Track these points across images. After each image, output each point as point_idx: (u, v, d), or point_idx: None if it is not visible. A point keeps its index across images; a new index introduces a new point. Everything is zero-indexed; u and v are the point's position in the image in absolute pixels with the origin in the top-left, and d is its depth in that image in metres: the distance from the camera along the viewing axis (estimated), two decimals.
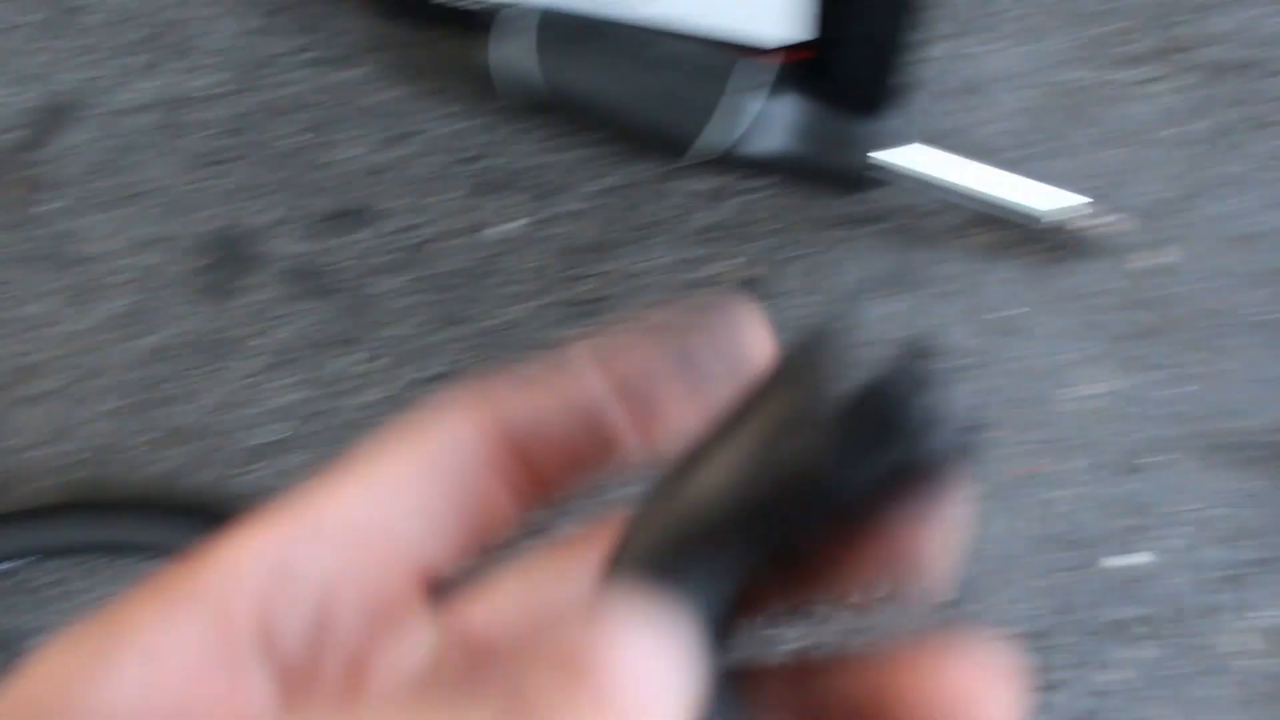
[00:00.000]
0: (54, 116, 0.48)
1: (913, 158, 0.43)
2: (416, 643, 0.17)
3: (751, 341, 0.17)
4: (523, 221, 0.45)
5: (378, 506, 0.17)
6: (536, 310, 0.43)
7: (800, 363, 0.15)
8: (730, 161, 0.43)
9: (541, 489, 0.18)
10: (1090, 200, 0.42)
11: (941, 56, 0.46)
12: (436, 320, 0.43)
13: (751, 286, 0.42)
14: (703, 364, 0.17)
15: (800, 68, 0.43)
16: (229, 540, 0.16)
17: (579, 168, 0.45)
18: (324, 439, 0.41)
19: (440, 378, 0.42)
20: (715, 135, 0.42)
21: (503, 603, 0.18)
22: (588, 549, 0.17)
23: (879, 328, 0.42)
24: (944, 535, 0.15)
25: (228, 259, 0.44)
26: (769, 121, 0.43)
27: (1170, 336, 0.42)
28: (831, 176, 0.43)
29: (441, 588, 0.18)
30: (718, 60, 0.43)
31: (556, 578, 0.18)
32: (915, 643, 0.16)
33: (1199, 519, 0.40)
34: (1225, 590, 0.39)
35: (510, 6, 0.44)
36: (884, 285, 0.43)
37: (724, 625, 0.15)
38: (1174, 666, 0.38)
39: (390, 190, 0.46)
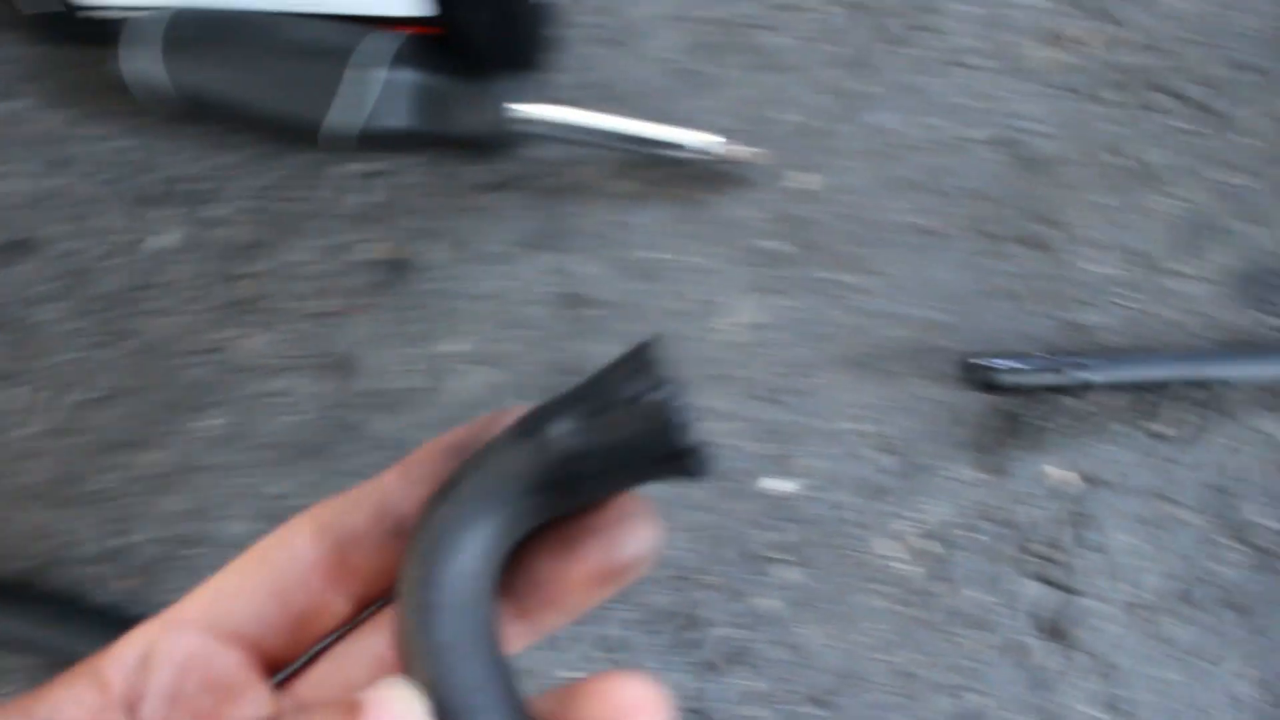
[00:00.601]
0: None
1: (552, 114, 0.43)
2: (254, 710, 0.22)
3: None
4: (179, 231, 0.44)
5: (222, 606, 0.22)
6: (196, 316, 0.43)
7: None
8: (375, 142, 0.43)
9: (363, 586, 0.23)
10: (731, 135, 0.43)
11: (587, 8, 0.46)
12: (99, 340, 0.43)
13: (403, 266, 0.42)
14: None
15: (428, 39, 0.43)
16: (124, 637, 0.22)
17: (233, 169, 0.45)
18: None
19: (106, 399, 0.42)
20: (342, 115, 0.42)
21: (319, 678, 0.23)
22: (376, 634, 0.23)
23: (536, 286, 0.43)
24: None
25: None
26: (398, 96, 0.43)
27: (814, 260, 0.43)
28: (472, 144, 0.44)
29: (279, 667, 0.23)
30: (342, 39, 0.43)
31: (356, 658, 0.23)
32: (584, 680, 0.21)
33: (846, 437, 0.41)
34: (871, 505, 0.40)
35: (141, 12, 0.44)
36: (533, 244, 0.43)
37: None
38: (825, 585, 0.39)
39: (52, 217, 0.45)
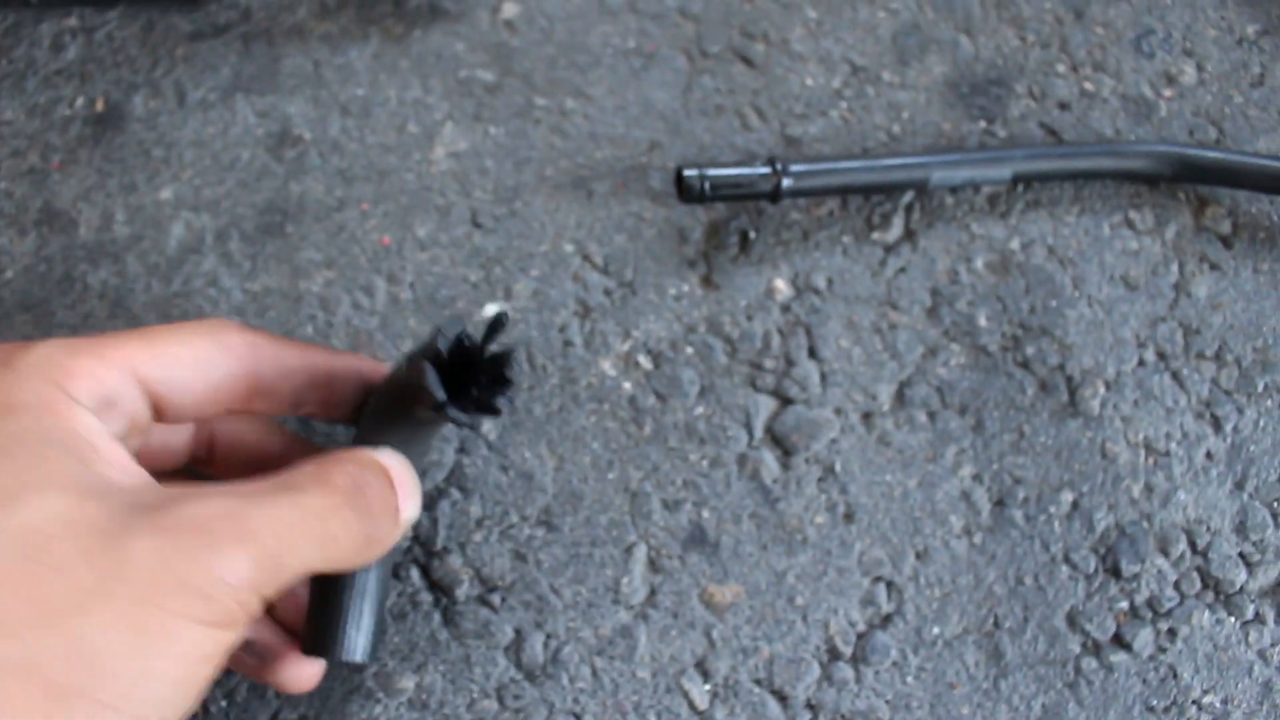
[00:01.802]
0: None
1: None
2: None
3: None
4: None
5: (152, 359, 0.28)
6: None
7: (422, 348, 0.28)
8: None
9: (261, 404, 0.30)
10: None
11: None
12: None
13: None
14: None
15: None
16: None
17: None
18: None
19: None
20: None
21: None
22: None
23: (247, 130, 0.41)
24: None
25: None
26: None
27: (523, 87, 0.42)
28: None
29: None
30: None
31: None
32: None
33: (565, 259, 0.40)
34: (592, 324, 0.39)
35: None
36: (242, 88, 0.42)
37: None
38: (545, 407, 0.39)
39: None
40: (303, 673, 0.32)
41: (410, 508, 0.29)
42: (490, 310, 0.39)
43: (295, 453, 0.33)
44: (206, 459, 0.33)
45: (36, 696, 0.22)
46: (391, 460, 0.29)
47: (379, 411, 0.31)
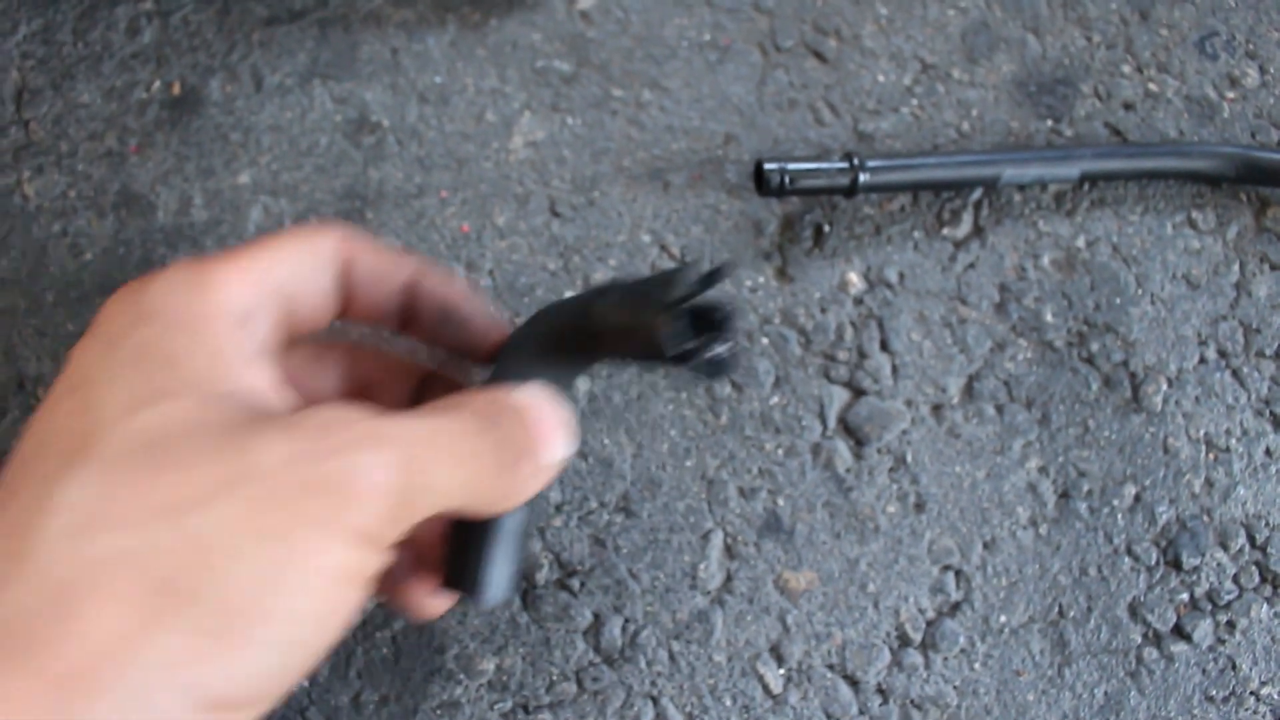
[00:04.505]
0: None
1: None
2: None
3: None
4: None
5: (271, 273, 0.26)
6: None
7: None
8: None
9: (355, 312, 0.29)
10: None
11: None
12: None
13: None
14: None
15: None
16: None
17: (7, 13, 0.43)
18: None
19: None
20: None
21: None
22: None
23: (325, 116, 0.41)
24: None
25: None
26: None
27: (600, 78, 0.42)
28: None
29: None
30: None
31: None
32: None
33: (642, 248, 0.41)
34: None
35: None
36: (320, 74, 0.42)
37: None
38: (623, 395, 0.39)
39: None
40: (434, 603, 0.30)
41: (556, 447, 0.26)
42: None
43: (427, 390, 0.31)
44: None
45: (143, 591, 0.20)
46: (533, 398, 0.26)
47: (538, 345, 0.28)
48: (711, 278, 0.25)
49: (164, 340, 0.23)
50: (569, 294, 0.40)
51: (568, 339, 0.28)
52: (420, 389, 0.30)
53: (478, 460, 0.24)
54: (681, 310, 0.25)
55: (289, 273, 0.26)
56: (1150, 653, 0.38)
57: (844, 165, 0.39)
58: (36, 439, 0.23)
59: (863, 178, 0.39)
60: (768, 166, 0.38)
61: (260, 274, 0.26)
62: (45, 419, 0.23)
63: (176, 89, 0.42)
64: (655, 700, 0.36)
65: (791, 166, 0.38)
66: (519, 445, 0.25)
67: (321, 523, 0.21)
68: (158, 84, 0.42)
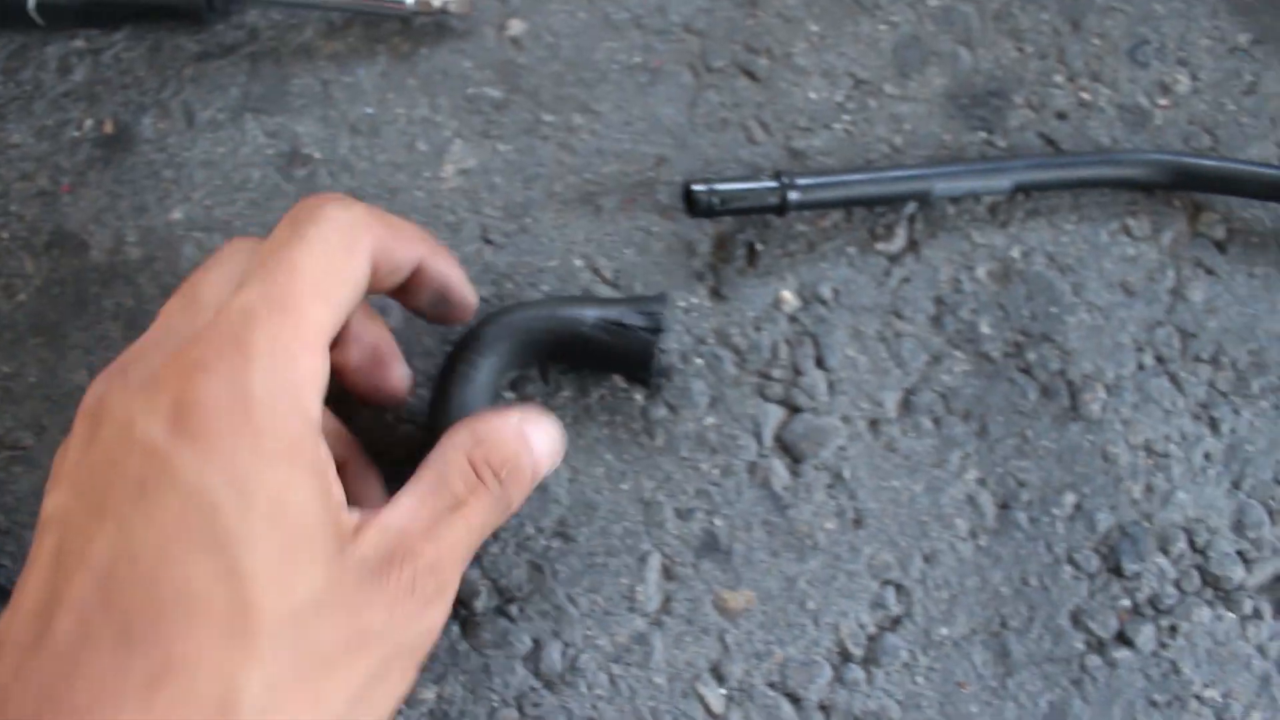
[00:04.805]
0: None
1: None
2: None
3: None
4: None
5: (334, 293, 0.29)
6: None
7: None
8: (84, 16, 0.41)
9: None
10: None
11: None
12: None
13: None
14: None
15: None
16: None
17: None
18: None
19: None
20: None
21: None
22: None
23: (257, 149, 0.42)
24: None
25: None
26: None
27: (530, 103, 0.43)
28: (177, 13, 0.42)
29: None
30: None
31: None
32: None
33: (575, 273, 0.41)
34: None
35: None
36: (252, 108, 0.42)
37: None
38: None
39: None
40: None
41: (549, 464, 0.34)
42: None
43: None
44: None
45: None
46: (534, 427, 0.33)
47: (510, 343, 0.36)
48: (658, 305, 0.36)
49: (286, 488, 0.25)
50: None
51: (546, 346, 0.36)
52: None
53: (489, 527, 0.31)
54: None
55: (347, 312, 0.29)
56: (1093, 660, 0.38)
57: (773, 184, 0.39)
58: (174, 587, 0.24)
59: (793, 196, 0.39)
60: (696, 188, 0.38)
61: (328, 336, 0.28)
62: (180, 564, 0.24)
63: (109, 127, 0.42)
64: None
65: (720, 187, 0.38)
66: (522, 491, 0.33)
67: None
68: (90, 122, 0.42)
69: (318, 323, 0.28)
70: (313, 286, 0.28)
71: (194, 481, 0.24)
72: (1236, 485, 0.40)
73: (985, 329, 0.41)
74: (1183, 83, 0.44)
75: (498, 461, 0.31)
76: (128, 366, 0.27)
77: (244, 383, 0.26)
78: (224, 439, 0.25)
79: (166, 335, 0.28)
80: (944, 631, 0.38)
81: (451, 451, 0.30)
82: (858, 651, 0.38)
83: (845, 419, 0.40)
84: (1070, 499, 0.39)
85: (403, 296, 0.34)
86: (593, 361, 0.38)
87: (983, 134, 0.43)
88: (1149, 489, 0.39)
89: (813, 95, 0.43)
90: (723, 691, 0.37)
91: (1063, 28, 0.45)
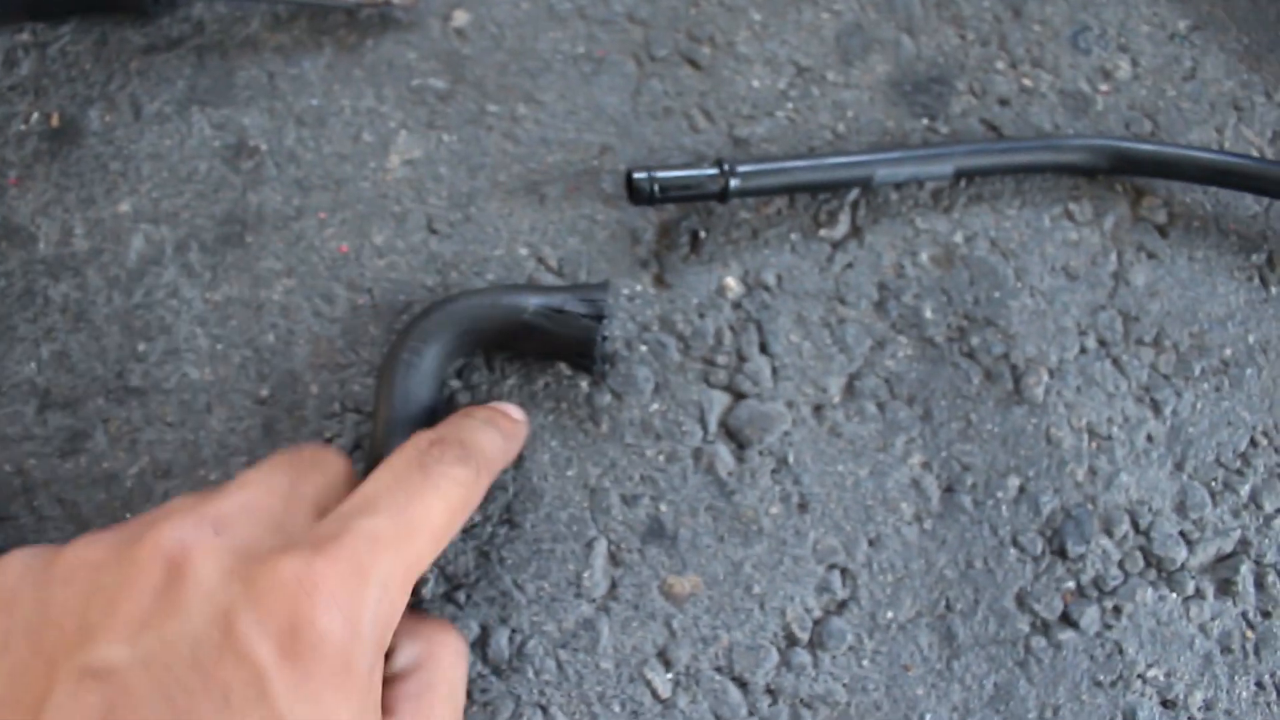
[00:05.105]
0: None
1: None
2: None
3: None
4: None
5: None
6: None
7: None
8: (19, 12, 0.41)
9: None
10: None
11: None
12: None
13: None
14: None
15: None
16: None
17: None
18: None
19: None
20: None
21: None
22: None
23: (204, 141, 0.42)
24: None
25: None
26: None
27: (474, 94, 0.43)
28: (123, 7, 0.42)
29: None
30: None
31: None
32: None
33: (519, 262, 0.41)
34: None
35: None
36: (198, 100, 0.42)
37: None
38: None
39: None
40: None
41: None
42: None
43: None
44: None
45: None
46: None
47: (452, 332, 0.37)
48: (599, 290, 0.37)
49: None
50: None
51: (490, 333, 0.37)
52: None
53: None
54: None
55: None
56: (1038, 641, 0.38)
57: (714, 171, 0.39)
58: None
59: (734, 183, 0.39)
60: (637, 175, 0.39)
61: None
62: None
63: (55, 120, 0.42)
64: (544, 709, 0.37)
65: (661, 174, 0.39)
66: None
67: None
68: (36, 115, 0.42)
69: (423, 567, 0.28)
70: (431, 538, 0.29)
71: (285, 709, 0.23)
72: (1179, 467, 0.40)
73: (929, 314, 0.41)
74: (1123, 69, 0.45)
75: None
76: (220, 526, 0.26)
77: (357, 619, 0.25)
78: (323, 674, 0.24)
79: (266, 506, 0.28)
80: (890, 615, 0.38)
81: None
82: (804, 636, 0.38)
83: (790, 404, 0.40)
84: (1014, 482, 0.40)
85: None
86: (536, 348, 0.38)
87: (925, 120, 0.43)
88: (1092, 471, 0.40)
89: (756, 83, 0.43)
90: (670, 676, 0.37)
91: (1004, 14, 0.45)
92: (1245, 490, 0.40)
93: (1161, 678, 0.38)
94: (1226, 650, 0.38)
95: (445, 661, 0.30)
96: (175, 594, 0.24)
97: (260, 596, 0.24)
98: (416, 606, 0.37)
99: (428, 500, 0.29)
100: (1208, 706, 0.38)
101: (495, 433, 0.33)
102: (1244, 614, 0.39)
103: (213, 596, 0.24)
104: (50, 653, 0.24)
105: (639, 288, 0.40)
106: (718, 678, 0.37)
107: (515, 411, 0.36)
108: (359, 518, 0.27)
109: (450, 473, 0.29)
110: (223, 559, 0.25)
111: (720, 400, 0.40)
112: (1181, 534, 0.39)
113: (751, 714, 0.37)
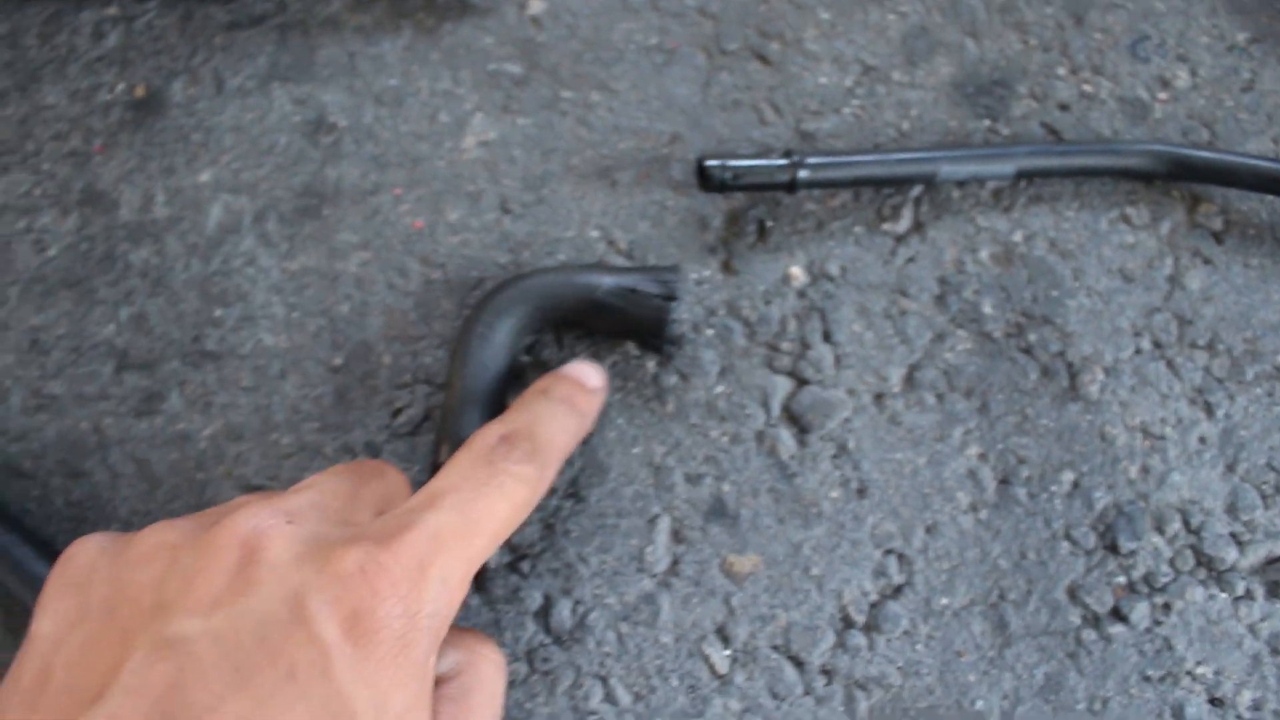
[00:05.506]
0: None
1: None
2: None
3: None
4: None
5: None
6: None
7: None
8: None
9: None
10: None
11: None
12: None
13: None
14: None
15: None
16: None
17: None
18: None
19: None
20: None
21: None
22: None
23: (284, 116, 0.43)
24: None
25: None
26: None
27: (550, 80, 0.44)
28: None
29: None
30: None
31: None
32: None
33: (591, 244, 0.42)
34: None
35: None
36: (279, 77, 0.43)
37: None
38: None
39: None
40: None
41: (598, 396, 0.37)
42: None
43: None
44: None
45: None
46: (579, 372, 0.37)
47: (525, 308, 0.38)
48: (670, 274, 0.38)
49: (410, 711, 0.26)
50: None
51: (562, 310, 0.37)
52: None
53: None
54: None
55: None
56: (1089, 634, 0.38)
57: (784, 162, 0.40)
58: None
59: (802, 174, 0.40)
60: (709, 163, 0.40)
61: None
62: None
63: (140, 91, 0.43)
64: (604, 680, 0.37)
65: (733, 163, 0.40)
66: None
67: None
68: (122, 86, 0.43)
69: (483, 560, 0.29)
70: (493, 535, 0.30)
71: (345, 687, 0.24)
72: (1231, 469, 0.41)
73: (988, 309, 0.42)
74: (1182, 78, 0.46)
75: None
76: (294, 516, 0.28)
77: (416, 610, 0.26)
78: (382, 658, 0.25)
79: (333, 505, 0.30)
80: (944, 601, 0.39)
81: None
82: (860, 618, 0.38)
83: (851, 392, 0.41)
84: (1068, 477, 0.40)
85: None
86: (607, 327, 0.38)
87: (987, 122, 0.44)
88: (1145, 470, 0.40)
89: (823, 80, 0.44)
90: (727, 653, 0.38)
91: (1066, 22, 0.46)
92: None
93: (1210, 675, 0.38)
94: (1276, 651, 0.39)
95: (485, 673, 0.31)
96: (249, 574, 0.25)
97: (329, 581, 0.25)
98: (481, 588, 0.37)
99: (491, 498, 0.29)
100: (1256, 706, 0.38)
101: (569, 416, 0.34)
102: None
103: (285, 578, 0.25)
104: (126, 625, 0.25)
105: (707, 273, 0.41)
106: (774, 656, 0.38)
107: (594, 377, 0.36)
108: (424, 513, 0.28)
109: (516, 470, 0.30)
110: (294, 545, 0.26)
111: (783, 385, 0.40)
112: (1232, 535, 0.40)
113: (807, 693, 0.37)
